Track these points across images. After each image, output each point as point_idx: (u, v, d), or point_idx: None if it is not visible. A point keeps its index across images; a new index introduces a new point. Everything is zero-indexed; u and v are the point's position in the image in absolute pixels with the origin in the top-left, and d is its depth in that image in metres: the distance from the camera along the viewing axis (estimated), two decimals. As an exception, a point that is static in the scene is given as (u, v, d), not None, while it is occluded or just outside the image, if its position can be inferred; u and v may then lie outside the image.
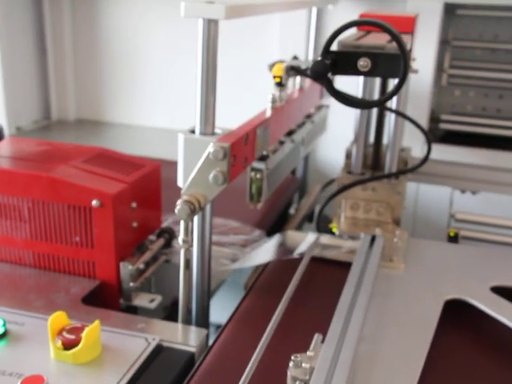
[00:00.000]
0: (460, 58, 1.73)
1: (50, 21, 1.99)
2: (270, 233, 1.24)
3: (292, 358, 0.70)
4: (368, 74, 0.79)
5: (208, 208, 0.87)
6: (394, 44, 0.78)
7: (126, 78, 2.05)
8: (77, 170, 1.00)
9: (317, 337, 0.75)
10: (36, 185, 0.97)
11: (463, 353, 0.86)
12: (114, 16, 2.00)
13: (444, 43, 1.70)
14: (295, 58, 1.17)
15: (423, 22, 1.29)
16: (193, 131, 0.86)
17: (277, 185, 1.09)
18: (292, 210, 1.53)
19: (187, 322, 0.93)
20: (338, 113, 1.32)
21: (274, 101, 1.03)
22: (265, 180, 0.99)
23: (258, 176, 0.99)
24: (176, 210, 0.82)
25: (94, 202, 0.94)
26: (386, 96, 0.79)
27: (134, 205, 0.99)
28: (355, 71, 0.78)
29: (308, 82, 1.29)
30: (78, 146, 1.13)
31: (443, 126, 1.73)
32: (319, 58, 0.77)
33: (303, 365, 0.69)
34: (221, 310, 1.11)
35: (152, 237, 1.07)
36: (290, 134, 1.18)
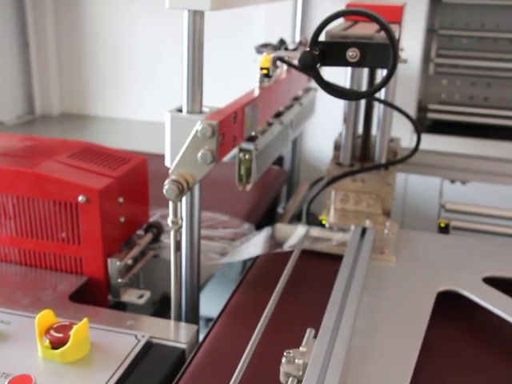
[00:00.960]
0: (447, 47, 1.72)
1: (32, 14, 1.96)
2: (258, 226, 1.23)
3: (284, 353, 0.69)
4: (357, 64, 0.77)
5: (197, 189, 0.86)
6: (383, 34, 0.77)
7: (110, 70, 2.03)
8: (62, 165, 0.98)
9: (309, 332, 0.74)
10: (21, 181, 0.95)
11: (456, 344, 0.85)
12: (97, 8, 1.98)
13: (430, 32, 1.69)
14: (282, 41, 1.15)
15: (410, 11, 1.28)
16: (180, 110, 0.85)
17: (266, 167, 1.07)
18: (280, 209, 1.52)
19: (178, 316, 0.92)
20: (326, 102, 1.31)
21: (261, 81, 1.01)
22: (254, 161, 0.98)
23: (247, 157, 0.98)
24: (164, 190, 0.80)
25: (81, 198, 0.92)
26: (375, 87, 0.77)
27: (121, 200, 0.98)
28: (344, 62, 0.77)
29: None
30: (63, 141, 1.11)
31: (431, 115, 1.73)
32: (307, 49, 0.75)
33: (296, 361, 0.68)
34: (210, 304, 1.10)
35: (140, 231, 1.05)
36: (278, 115, 1.16)
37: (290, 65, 0.97)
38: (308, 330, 0.74)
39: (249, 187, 1.00)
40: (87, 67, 2.05)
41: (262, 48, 1.08)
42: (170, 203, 0.84)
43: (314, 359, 0.68)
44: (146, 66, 1.99)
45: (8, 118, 1.96)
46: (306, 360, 0.68)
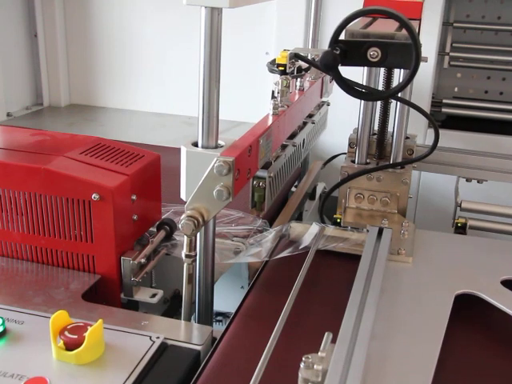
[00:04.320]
0: (462, 41, 1.70)
1: (41, 4, 1.94)
2: (273, 215, 1.21)
3: (303, 358, 0.67)
4: (378, 64, 0.76)
5: (211, 222, 0.86)
6: (404, 32, 0.75)
7: (118, 62, 2.01)
8: (75, 161, 0.97)
9: (327, 336, 0.72)
10: (33, 177, 0.94)
11: (475, 349, 0.84)
12: (106, -1, 1.96)
13: (445, 25, 1.67)
14: (297, 55, 1.12)
15: (426, 4, 1.26)
16: (195, 144, 0.84)
17: (278, 190, 1.07)
18: (293, 188, 1.50)
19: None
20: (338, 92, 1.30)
21: (275, 107, 1.00)
22: (267, 188, 0.97)
23: (261, 184, 0.97)
24: (180, 226, 0.81)
25: (94, 196, 0.91)
26: (398, 87, 0.76)
27: (134, 197, 0.96)
28: (365, 61, 0.76)
29: (308, 82, 1.26)
30: (75, 136, 1.10)
31: (445, 110, 1.71)
32: (328, 49, 0.74)
33: (315, 366, 0.67)
34: (220, 299, 1.09)
35: (152, 228, 1.04)
36: (291, 137, 1.16)
37: (307, 62, 0.95)
38: (326, 334, 0.72)
39: (262, 214, 1.00)
40: (95, 58, 2.03)
41: (274, 67, 1.05)
42: (185, 237, 0.84)
43: (334, 366, 0.67)
44: (154, 56, 1.97)
45: (16, 109, 1.95)
46: (325, 366, 0.67)
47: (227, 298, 1.28)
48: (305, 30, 1.64)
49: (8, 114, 1.90)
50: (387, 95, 0.87)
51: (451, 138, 1.58)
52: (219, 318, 1.33)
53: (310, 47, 1.53)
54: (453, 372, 0.78)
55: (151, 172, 1.02)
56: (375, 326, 0.79)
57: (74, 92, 2.09)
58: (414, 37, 0.71)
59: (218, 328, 0.88)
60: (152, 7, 1.91)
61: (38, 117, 1.96)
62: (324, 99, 1.45)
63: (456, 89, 1.75)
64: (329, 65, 0.72)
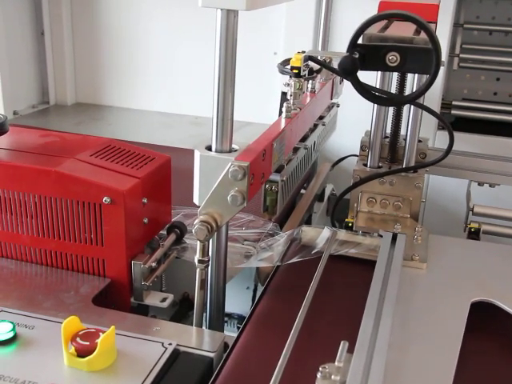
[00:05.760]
0: (471, 42, 1.69)
1: (48, 2, 1.93)
2: (282, 218, 1.20)
3: (320, 368, 0.66)
4: (396, 69, 0.75)
5: (223, 227, 0.84)
6: (423, 35, 0.74)
7: (125, 61, 2.01)
8: (85, 164, 0.96)
9: (343, 345, 0.71)
10: (43, 180, 0.93)
11: (492, 358, 0.83)
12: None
13: (455, 26, 1.66)
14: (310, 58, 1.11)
15: (438, 6, 1.25)
16: (209, 147, 0.82)
17: (290, 194, 1.06)
18: (302, 190, 1.49)
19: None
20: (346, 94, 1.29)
21: (288, 110, 0.99)
22: (280, 191, 0.96)
23: (274, 188, 0.96)
24: (193, 231, 0.80)
25: (105, 199, 0.90)
26: (417, 91, 0.75)
27: (144, 200, 0.95)
28: (383, 66, 0.74)
29: (319, 84, 1.25)
30: (85, 137, 1.09)
31: (454, 112, 1.70)
32: (347, 53, 0.72)
33: (332, 377, 0.66)
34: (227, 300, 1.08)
35: (162, 231, 1.03)
36: (303, 139, 1.15)
37: (324, 66, 0.94)
38: (342, 342, 0.71)
39: (275, 218, 0.99)
40: (102, 57, 2.02)
41: (285, 68, 1.03)
42: (198, 242, 0.83)
43: (353, 377, 0.66)
44: (161, 55, 1.96)
45: (22, 108, 1.94)
46: (343, 377, 0.66)
47: (233, 299, 1.27)
48: (314, 31, 1.63)
49: (14, 113, 1.89)
50: (406, 100, 0.86)
51: (460, 140, 1.56)
52: (225, 318, 1.32)
53: (319, 48, 1.51)
54: (470, 382, 0.77)
55: (162, 175, 1.01)
56: (391, 335, 0.78)
57: (81, 91, 2.08)
58: (436, 42, 0.70)
59: (225, 329, 0.87)
60: (159, 6, 1.89)
61: (45, 115, 1.95)
62: (334, 100, 1.44)
63: (465, 90, 1.74)
64: (348, 70, 0.71)
